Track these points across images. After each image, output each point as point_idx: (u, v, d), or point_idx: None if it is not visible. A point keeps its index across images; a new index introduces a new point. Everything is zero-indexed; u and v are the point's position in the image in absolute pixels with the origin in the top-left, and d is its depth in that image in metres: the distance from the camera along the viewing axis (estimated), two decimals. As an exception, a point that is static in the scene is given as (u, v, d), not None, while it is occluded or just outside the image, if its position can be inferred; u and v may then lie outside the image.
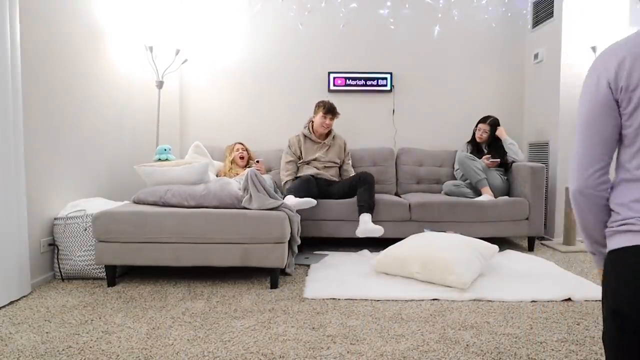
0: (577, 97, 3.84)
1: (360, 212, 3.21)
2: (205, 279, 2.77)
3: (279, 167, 3.82)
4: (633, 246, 0.95)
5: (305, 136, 3.69)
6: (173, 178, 2.85)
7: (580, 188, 1.08)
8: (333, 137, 3.73)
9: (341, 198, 3.39)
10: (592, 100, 1.04)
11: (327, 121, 3.61)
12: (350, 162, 3.80)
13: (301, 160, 3.66)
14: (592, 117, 1.06)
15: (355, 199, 3.32)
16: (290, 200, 3.02)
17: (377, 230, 3.12)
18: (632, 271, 0.94)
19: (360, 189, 3.29)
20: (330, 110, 3.60)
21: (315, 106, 3.68)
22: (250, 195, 2.66)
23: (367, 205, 3.22)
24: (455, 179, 3.88)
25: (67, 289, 2.57)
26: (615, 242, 1.00)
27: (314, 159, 3.63)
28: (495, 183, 3.63)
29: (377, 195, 3.52)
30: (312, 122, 3.69)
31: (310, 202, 3.04)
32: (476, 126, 3.94)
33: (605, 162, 1.06)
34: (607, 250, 1.04)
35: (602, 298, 1.02)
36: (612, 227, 1.02)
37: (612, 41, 3.54)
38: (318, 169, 3.60)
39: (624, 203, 1.00)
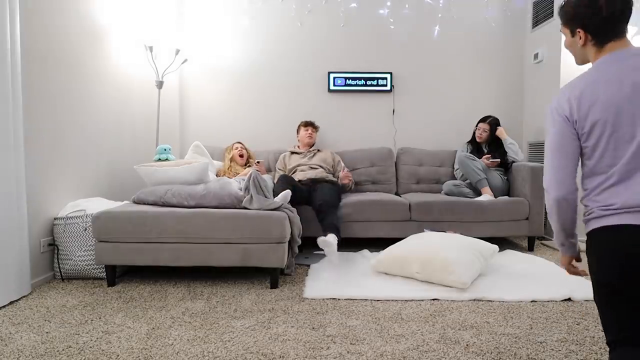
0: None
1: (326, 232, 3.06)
2: (205, 279, 2.77)
3: (277, 165, 3.87)
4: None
5: (291, 152, 3.90)
6: (173, 178, 2.85)
7: (564, 195, 1.37)
8: (318, 150, 3.88)
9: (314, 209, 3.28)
10: (558, 131, 1.36)
11: (309, 132, 3.89)
12: (345, 169, 3.80)
13: (287, 170, 3.75)
14: (561, 143, 1.37)
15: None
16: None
17: (328, 244, 2.88)
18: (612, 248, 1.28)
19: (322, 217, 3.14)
20: (308, 123, 3.94)
21: (297, 129, 4.00)
22: (251, 196, 2.66)
23: (329, 226, 3.07)
24: (455, 179, 3.88)
25: (67, 289, 2.57)
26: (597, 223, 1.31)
27: (298, 165, 3.73)
28: (495, 183, 3.63)
29: (377, 195, 3.53)
30: (298, 140, 3.97)
31: (285, 195, 2.82)
32: (476, 126, 3.94)
33: (575, 174, 1.37)
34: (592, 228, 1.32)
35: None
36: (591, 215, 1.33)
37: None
38: (304, 171, 3.64)
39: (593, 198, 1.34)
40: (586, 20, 1.36)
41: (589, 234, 1.34)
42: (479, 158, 3.72)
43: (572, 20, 1.42)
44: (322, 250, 3.43)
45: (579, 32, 1.40)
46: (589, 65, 1.45)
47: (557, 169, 1.39)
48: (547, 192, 1.42)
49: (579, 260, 1.51)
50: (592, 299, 2.37)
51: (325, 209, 3.13)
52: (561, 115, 1.36)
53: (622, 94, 1.25)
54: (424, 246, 2.72)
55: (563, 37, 1.63)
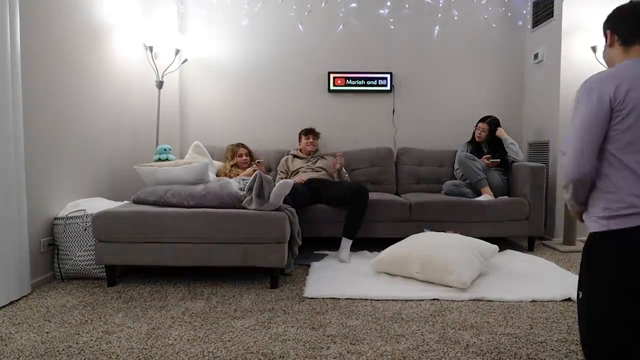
0: (577, 97, 3.83)
1: (343, 234, 3.19)
2: (205, 279, 2.77)
3: (278, 168, 3.87)
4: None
5: (294, 155, 3.89)
6: (173, 178, 2.85)
7: (580, 177, 1.44)
8: (321, 156, 3.87)
9: (331, 205, 3.31)
10: (595, 107, 1.42)
11: (310, 140, 3.86)
12: (345, 175, 3.81)
13: (290, 173, 3.75)
14: (592, 124, 1.43)
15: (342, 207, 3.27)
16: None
17: (345, 259, 3.11)
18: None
19: (351, 208, 3.19)
20: (309, 132, 3.91)
21: (298, 137, 3.98)
22: (252, 197, 2.65)
23: (352, 232, 3.18)
24: (455, 179, 3.88)
25: (67, 289, 2.57)
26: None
27: (301, 167, 3.72)
28: (495, 183, 3.63)
29: (377, 195, 3.52)
30: (300, 148, 3.95)
31: (282, 187, 2.68)
32: (476, 126, 3.94)
33: (596, 157, 1.45)
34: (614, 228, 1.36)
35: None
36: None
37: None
38: (306, 172, 3.65)
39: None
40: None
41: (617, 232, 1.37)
42: (479, 158, 3.72)
43: None
44: (322, 250, 3.45)
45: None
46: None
47: (583, 149, 1.45)
48: (570, 163, 1.47)
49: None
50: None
51: (355, 202, 3.18)
52: (607, 96, 1.43)
53: None
54: (424, 246, 2.72)
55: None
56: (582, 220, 1.60)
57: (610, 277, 1.36)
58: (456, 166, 3.91)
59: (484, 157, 3.72)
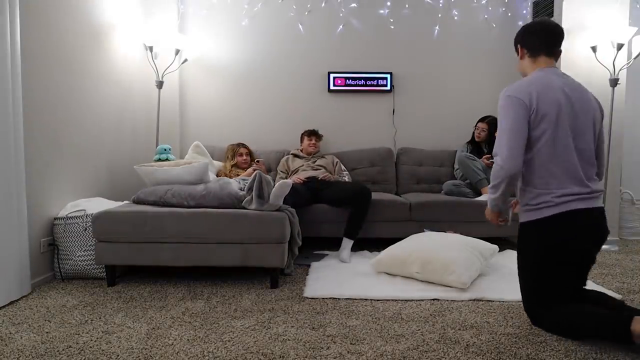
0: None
1: (345, 234, 3.20)
2: (205, 279, 2.77)
3: (279, 168, 3.88)
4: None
5: (294, 155, 3.90)
6: (173, 178, 2.85)
7: (514, 173, 1.86)
8: (322, 156, 3.88)
9: (331, 204, 3.32)
10: (519, 112, 1.85)
11: (313, 141, 3.88)
12: (344, 171, 3.86)
13: (290, 173, 3.75)
14: (518, 127, 1.85)
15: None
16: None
17: (345, 259, 3.13)
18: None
19: (354, 209, 3.19)
20: (311, 133, 3.93)
21: (300, 137, 4.00)
22: (252, 197, 2.66)
23: (354, 232, 3.20)
24: (455, 179, 3.88)
25: (67, 289, 2.57)
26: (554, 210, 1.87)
27: (300, 167, 3.73)
28: (495, 183, 3.63)
29: (377, 195, 3.52)
30: (302, 148, 3.95)
31: (281, 187, 2.67)
32: (475, 126, 3.94)
33: (523, 156, 1.87)
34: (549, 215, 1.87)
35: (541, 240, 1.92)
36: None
37: (612, 41, 3.52)
38: (306, 171, 3.65)
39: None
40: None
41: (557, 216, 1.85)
42: (479, 158, 3.72)
43: None
44: (322, 250, 3.45)
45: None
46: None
47: (514, 147, 1.85)
48: (505, 163, 1.85)
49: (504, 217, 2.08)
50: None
51: (357, 203, 3.19)
52: (524, 103, 1.86)
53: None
54: (424, 246, 2.72)
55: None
56: (497, 223, 2.08)
57: (534, 250, 1.92)
58: (456, 166, 3.92)
59: (484, 157, 3.72)
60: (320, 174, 3.59)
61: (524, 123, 1.84)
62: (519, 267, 2.02)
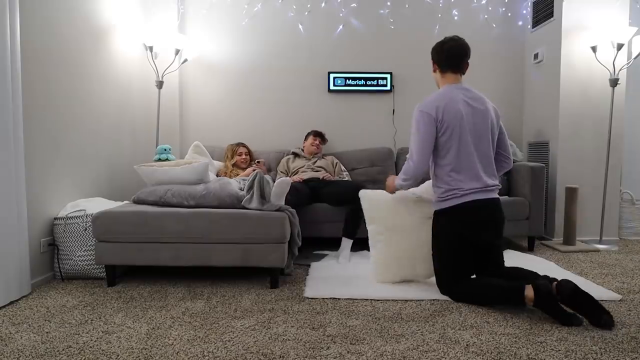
0: (578, 96, 3.84)
1: (343, 234, 3.21)
2: (205, 279, 2.77)
3: (279, 168, 3.88)
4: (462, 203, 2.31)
5: (295, 154, 3.90)
6: (173, 178, 2.85)
7: (419, 175, 2.35)
8: (322, 157, 3.89)
9: (330, 203, 3.32)
10: (427, 125, 2.30)
11: (317, 142, 3.89)
12: (344, 172, 3.87)
13: (290, 173, 3.76)
14: (426, 138, 2.30)
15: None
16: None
17: (345, 259, 3.13)
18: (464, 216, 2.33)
19: (350, 208, 3.16)
20: (318, 134, 3.95)
21: (306, 135, 4.00)
22: (252, 195, 2.66)
23: (352, 231, 3.20)
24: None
25: (67, 289, 2.57)
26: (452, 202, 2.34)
27: (301, 167, 3.73)
28: (495, 183, 3.64)
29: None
30: (304, 146, 3.95)
31: (281, 186, 2.68)
32: None
33: (429, 161, 2.37)
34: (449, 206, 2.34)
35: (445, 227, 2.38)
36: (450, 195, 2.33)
37: (612, 41, 3.53)
38: (306, 172, 3.65)
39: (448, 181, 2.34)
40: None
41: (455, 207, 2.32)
42: None
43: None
44: (322, 250, 3.45)
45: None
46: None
47: (422, 156, 2.32)
48: (415, 166, 2.33)
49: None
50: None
51: (354, 202, 3.12)
52: (433, 116, 2.31)
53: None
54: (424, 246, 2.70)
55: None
56: (392, 192, 2.58)
57: (445, 233, 2.36)
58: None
59: None
60: (321, 175, 3.60)
61: (432, 134, 2.30)
62: (432, 249, 2.44)
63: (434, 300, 2.39)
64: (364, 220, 2.62)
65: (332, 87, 4.30)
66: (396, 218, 2.59)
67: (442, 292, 2.41)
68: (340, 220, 3.24)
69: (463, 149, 2.30)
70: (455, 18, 4.32)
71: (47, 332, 1.97)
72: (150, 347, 1.81)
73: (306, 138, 3.97)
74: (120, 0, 3.58)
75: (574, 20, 3.77)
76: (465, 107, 2.33)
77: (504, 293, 2.17)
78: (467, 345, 1.84)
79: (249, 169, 3.60)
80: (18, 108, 2.35)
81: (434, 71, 2.47)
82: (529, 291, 2.06)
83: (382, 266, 2.63)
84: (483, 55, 4.36)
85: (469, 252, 2.36)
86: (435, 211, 2.42)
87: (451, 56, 2.40)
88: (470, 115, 2.32)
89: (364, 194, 2.70)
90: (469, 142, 2.30)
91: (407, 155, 2.39)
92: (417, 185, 2.54)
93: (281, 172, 3.82)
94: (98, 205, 2.86)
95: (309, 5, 4.29)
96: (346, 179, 3.79)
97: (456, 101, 2.32)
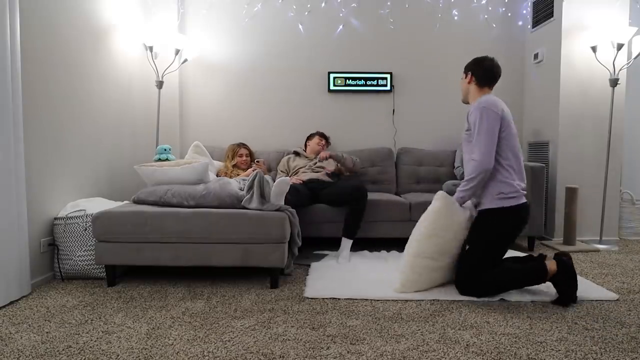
0: (578, 96, 3.84)
1: (343, 234, 3.20)
2: (205, 279, 2.77)
3: (279, 167, 3.88)
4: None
5: (297, 153, 3.89)
6: (173, 178, 2.85)
7: (489, 168, 2.37)
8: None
9: (330, 204, 3.31)
10: (494, 122, 2.38)
11: (323, 142, 3.90)
12: (340, 152, 3.81)
13: (290, 173, 3.75)
14: (494, 132, 2.38)
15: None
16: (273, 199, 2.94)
17: (345, 259, 3.12)
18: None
19: (350, 208, 3.17)
20: (324, 136, 3.97)
21: (310, 135, 4.00)
22: (252, 195, 2.66)
23: (352, 231, 3.19)
24: (455, 179, 3.87)
25: (67, 289, 2.57)
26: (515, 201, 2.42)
27: (301, 167, 3.71)
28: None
29: (377, 195, 3.52)
30: (306, 145, 3.96)
31: (280, 186, 2.66)
32: None
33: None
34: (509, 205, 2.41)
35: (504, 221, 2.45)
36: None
37: (612, 41, 3.53)
38: (306, 173, 3.64)
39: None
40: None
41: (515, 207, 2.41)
42: None
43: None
44: (322, 250, 3.45)
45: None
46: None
47: (491, 149, 2.36)
48: (481, 160, 2.36)
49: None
50: (592, 299, 2.39)
51: (354, 202, 3.17)
52: (499, 113, 2.41)
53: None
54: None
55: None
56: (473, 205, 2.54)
57: (499, 231, 2.41)
58: (456, 164, 3.92)
59: None
60: (321, 175, 3.59)
61: (497, 131, 2.38)
62: (471, 244, 2.45)
63: (434, 300, 2.39)
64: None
65: (332, 87, 4.30)
66: (449, 233, 2.45)
67: (463, 292, 2.42)
68: (340, 220, 3.24)
69: (517, 150, 2.45)
70: (455, 18, 4.32)
71: (47, 332, 1.97)
72: (150, 347, 1.81)
73: (310, 138, 3.96)
74: (120, 0, 3.58)
75: (574, 20, 3.77)
76: (508, 111, 2.50)
77: (529, 273, 2.37)
78: (467, 345, 1.84)
79: (249, 170, 3.60)
80: (18, 108, 2.35)
81: (468, 82, 2.62)
82: (552, 265, 2.33)
83: (413, 277, 2.48)
84: (483, 55, 4.34)
85: (506, 249, 2.47)
86: (488, 209, 2.43)
87: (493, 75, 2.60)
88: (513, 121, 2.50)
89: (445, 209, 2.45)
90: (518, 146, 2.47)
91: (463, 159, 2.47)
92: (482, 189, 2.46)
93: (281, 171, 3.82)
94: (98, 205, 2.86)
95: (309, 5, 4.29)
96: (346, 157, 3.71)
97: (504, 105, 2.49)
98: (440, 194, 2.49)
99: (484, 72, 2.59)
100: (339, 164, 3.69)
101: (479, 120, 2.39)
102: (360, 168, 3.82)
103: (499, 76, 2.63)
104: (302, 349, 1.79)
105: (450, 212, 2.44)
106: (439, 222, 2.43)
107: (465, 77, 2.64)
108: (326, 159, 3.61)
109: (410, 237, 2.59)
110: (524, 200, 2.43)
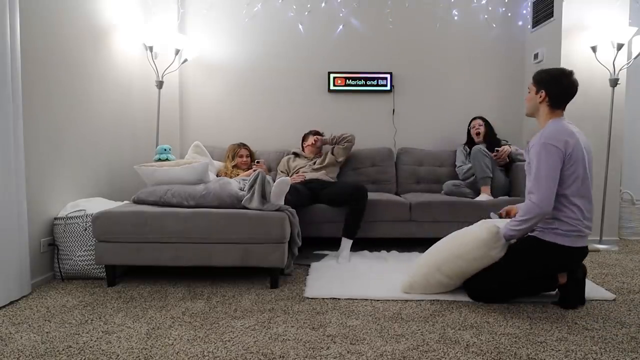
0: (578, 96, 3.73)
1: (343, 234, 3.20)
2: (205, 279, 2.77)
3: (279, 167, 3.88)
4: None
5: (295, 154, 3.89)
6: (173, 178, 2.85)
7: (547, 212, 2.14)
8: (320, 155, 3.86)
9: (330, 204, 3.31)
10: (556, 162, 2.11)
11: (319, 138, 3.82)
12: (338, 137, 3.83)
13: (290, 173, 3.75)
14: (555, 175, 2.11)
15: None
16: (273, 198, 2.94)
17: (345, 259, 3.11)
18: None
19: (350, 208, 3.17)
20: (317, 134, 3.92)
21: (304, 135, 3.99)
22: (252, 195, 2.66)
23: (352, 231, 3.19)
24: (455, 179, 3.87)
25: (67, 289, 2.57)
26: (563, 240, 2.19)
27: (301, 168, 3.71)
28: (499, 181, 3.62)
29: (377, 195, 3.52)
30: (304, 146, 3.95)
31: (280, 185, 2.65)
32: (470, 125, 3.94)
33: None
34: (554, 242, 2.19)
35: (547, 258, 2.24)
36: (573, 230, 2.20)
37: (612, 41, 3.52)
38: (306, 172, 3.64)
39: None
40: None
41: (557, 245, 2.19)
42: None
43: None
44: (322, 250, 3.45)
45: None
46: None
47: (552, 190, 2.11)
48: (538, 206, 2.11)
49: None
50: (592, 299, 2.39)
51: (354, 202, 3.18)
52: (562, 151, 2.12)
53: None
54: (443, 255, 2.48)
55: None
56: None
57: (539, 263, 2.23)
58: (457, 164, 3.92)
59: (492, 154, 3.64)
60: (321, 175, 3.60)
61: (559, 168, 2.11)
62: (509, 263, 2.26)
63: (434, 300, 2.39)
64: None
65: (332, 87, 4.30)
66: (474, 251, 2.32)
67: (476, 298, 2.36)
68: (340, 220, 3.24)
69: (585, 191, 2.20)
70: (455, 18, 4.32)
71: (47, 332, 1.97)
72: (150, 347, 1.82)
73: (305, 138, 3.96)
74: (120, 0, 3.58)
75: (574, 20, 3.77)
76: (582, 144, 2.19)
77: (540, 283, 2.33)
78: (467, 345, 1.84)
79: (250, 170, 3.60)
80: (18, 108, 2.35)
81: (540, 102, 2.25)
82: (562, 277, 2.28)
83: (422, 283, 2.46)
84: (483, 55, 4.35)
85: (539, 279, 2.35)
86: (537, 239, 2.22)
87: (571, 95, 2.22)
88: (584, 152, 2.19)
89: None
90: (589, 185, 2.20)
91: (528, 191, 2.19)
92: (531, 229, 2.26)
93: (281, 171, 3.82)
94: (98, 205, 2.86)
95: (309, 5, 4.29)
96: (347, 135, 3.74)
97: (575, 135, 2.17)
98: (491, 224, 2.29)
99: (561, 92, 2.20)
100: (334, 146, 3.76)
101: (538, 158, 2.12)
102: (352, 137, 3.80)
103: (575, 95, 2.25)
104: (302, 349, 1.79)
105: (491, 247, 2.26)
106: (476, 252, 2.27)
107: (536, 93, 2.25)
108: (322, 145, 3.69)
109: (436, 246, 2.47)
110: (582, 243, 2.19)
